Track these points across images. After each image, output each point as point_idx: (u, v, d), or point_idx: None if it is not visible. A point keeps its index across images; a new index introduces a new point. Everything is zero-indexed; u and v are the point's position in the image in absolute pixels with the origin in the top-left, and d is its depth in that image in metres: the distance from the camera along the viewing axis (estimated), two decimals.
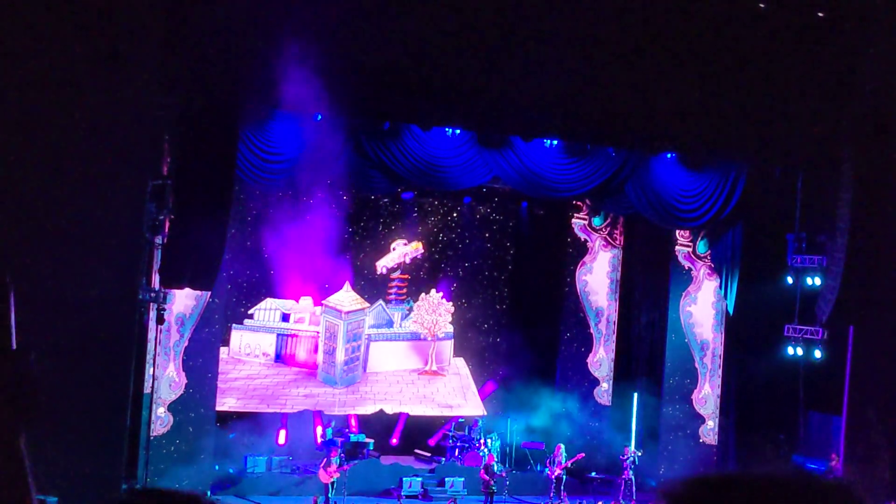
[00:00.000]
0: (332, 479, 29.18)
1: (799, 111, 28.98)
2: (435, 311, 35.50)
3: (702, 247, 33.46)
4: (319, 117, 27.49)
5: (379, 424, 34.39)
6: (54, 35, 22.56)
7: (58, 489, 21.58)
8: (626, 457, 31.95)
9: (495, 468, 31.12)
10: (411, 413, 34.88)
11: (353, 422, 33.92)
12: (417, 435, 35.17)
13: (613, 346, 35.43)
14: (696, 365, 33.59)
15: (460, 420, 34.79)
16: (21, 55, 22.43)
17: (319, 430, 33.10)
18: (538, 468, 33.47)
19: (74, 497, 22.07)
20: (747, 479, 2.46)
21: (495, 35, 27.01)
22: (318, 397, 34.04)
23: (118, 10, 23.25)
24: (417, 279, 35.55)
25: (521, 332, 35.68)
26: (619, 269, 35.42)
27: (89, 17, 22.90)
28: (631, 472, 31.69)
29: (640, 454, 32.08)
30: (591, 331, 35.32)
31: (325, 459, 29.64)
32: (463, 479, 31.97)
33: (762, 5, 27.79)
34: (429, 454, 34.64)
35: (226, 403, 32.29)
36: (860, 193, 28.15)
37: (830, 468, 28.98)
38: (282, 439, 32.89)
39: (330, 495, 29.19)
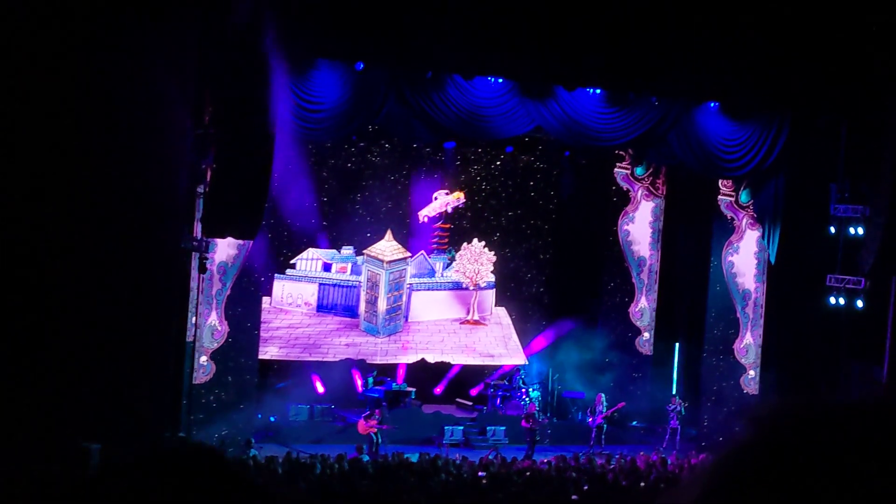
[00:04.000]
0: (367, 433, 29.23)
1: (843, 58, 28.75)
2: (477, 260, 35.41)
3: (744, 196, 33.23)
4: (361, 67, 27.43)
5: (423, 373, 34.52)
6: None
7: (100, 436, 21.76)
8: (672, 406, 31.93)
9: (536, 417, 31.19)
10: (452, 362, 34.90)
11: (400, 372, 34.05)
12: (459, 384, 35.23)
13: (655, 295, 35.33)
14: (738, 315, 33.46)
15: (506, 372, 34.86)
16: (68, 12, 22.48)
17: (359, 381, 33.12)
18: (579, 417, 33.56)
19: (117, 444, 22.23)
20: (855, 406, 2.07)
21: None
22: (360, 346, 34.13)
23: None
24: (459, 228, 35.51)
25: (564, 282, 35.74)
26: (662, 218, 35.22)
27: None
28: (678, 421, 31.67)
29: (686, 404, 32.00)
30: (634, 281, 35.17)
31: (368, 411, 29.77)
32: (504, 427, 32.07)
33: None
34: (470, 403, 34.70)
35: (268, 352, 32.40)
36: None
37: None
38: (320, 388, 33.01)
39: (374, 442, 29.20)
